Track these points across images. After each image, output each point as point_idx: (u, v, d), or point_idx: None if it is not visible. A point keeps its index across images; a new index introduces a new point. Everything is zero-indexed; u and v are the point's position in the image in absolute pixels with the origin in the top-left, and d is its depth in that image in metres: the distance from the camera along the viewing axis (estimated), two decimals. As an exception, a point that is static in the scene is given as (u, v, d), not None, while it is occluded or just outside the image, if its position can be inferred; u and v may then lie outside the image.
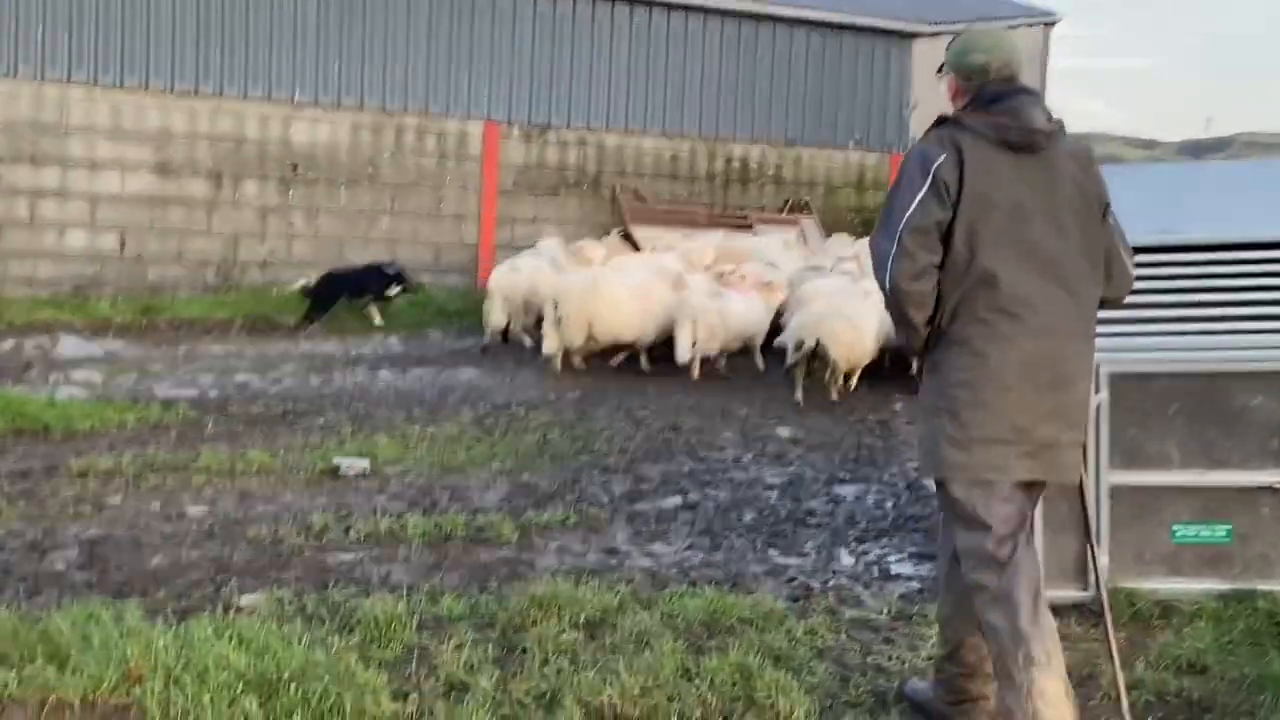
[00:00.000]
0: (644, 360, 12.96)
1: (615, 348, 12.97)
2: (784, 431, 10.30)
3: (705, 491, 8.18)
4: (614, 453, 9.29)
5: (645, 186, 20.76)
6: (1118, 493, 5.85)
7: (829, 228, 21.51)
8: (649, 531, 7.18)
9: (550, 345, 12.46)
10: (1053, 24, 24.26)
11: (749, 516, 7.59)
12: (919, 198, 4.11)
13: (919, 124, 22.81)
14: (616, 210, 20.39)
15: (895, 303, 4.21)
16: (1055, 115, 4.23)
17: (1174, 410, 5.86)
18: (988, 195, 4.10)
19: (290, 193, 18.47)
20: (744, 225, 20.80)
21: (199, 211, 17.90)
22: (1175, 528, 5.87)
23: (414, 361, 13.47)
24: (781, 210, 21.64)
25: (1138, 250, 4.51)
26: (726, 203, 21.34)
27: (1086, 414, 4.30)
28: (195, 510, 7.27)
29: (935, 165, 4.11)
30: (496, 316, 13.95)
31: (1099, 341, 4.41)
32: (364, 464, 8.44)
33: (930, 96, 23.33)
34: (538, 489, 8.09)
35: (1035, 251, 4.12)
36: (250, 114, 18.08)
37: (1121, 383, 5.80)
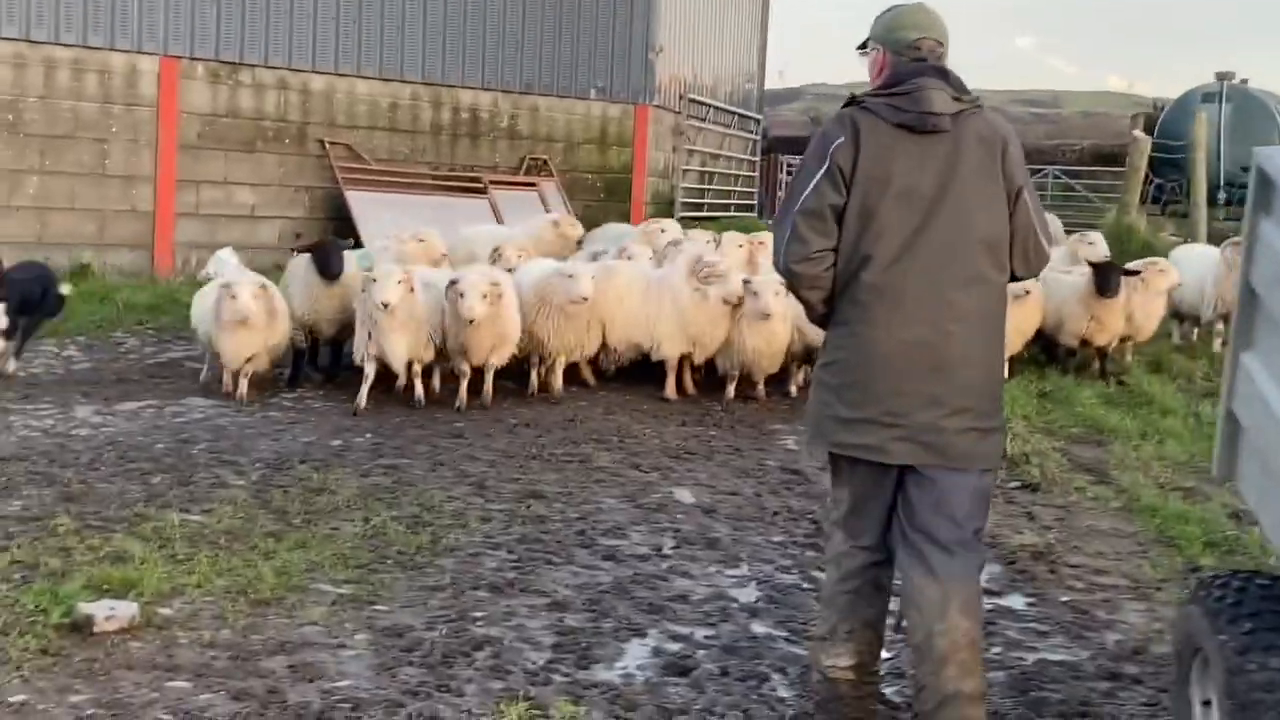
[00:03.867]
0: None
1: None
2: (679, 494, 7.59)
3: (665, 627, 5.41)
4: (481, 547, 6.38)
5: (360, 141, 17.41)
6: None
7: (569, 190, 18.82)
8: (670, 743, 4.37)
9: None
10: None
11: (777, 686, 4.88)
12: (814, 181, 4.19)
13: (664, 72, 20.40)
14: (326, 169, 16.97)
15: (790, 284, 4.37)
16: (968, 96, 4.21)
17: None
18: (880, 178, 4.13)
19: (-98, 145, 14.16)
20: (476, 188, 17.83)
21: None
22: None
23: (115, 389, 9.79)
24: (518, 170, 18.75)
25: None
26: (455, 161, 18.25)
27: (982, 398, 4.20)
28: None
29: (832, 148, 4.17)
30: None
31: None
32: (130, 610, 5.18)
33: (672, 43, 20.93)
34: (417, 643, 5.12)
35: (918, 237, 4.12)
36: None
37: None
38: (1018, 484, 7.88)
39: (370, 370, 9.36)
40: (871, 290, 4.12)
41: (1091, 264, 11.09)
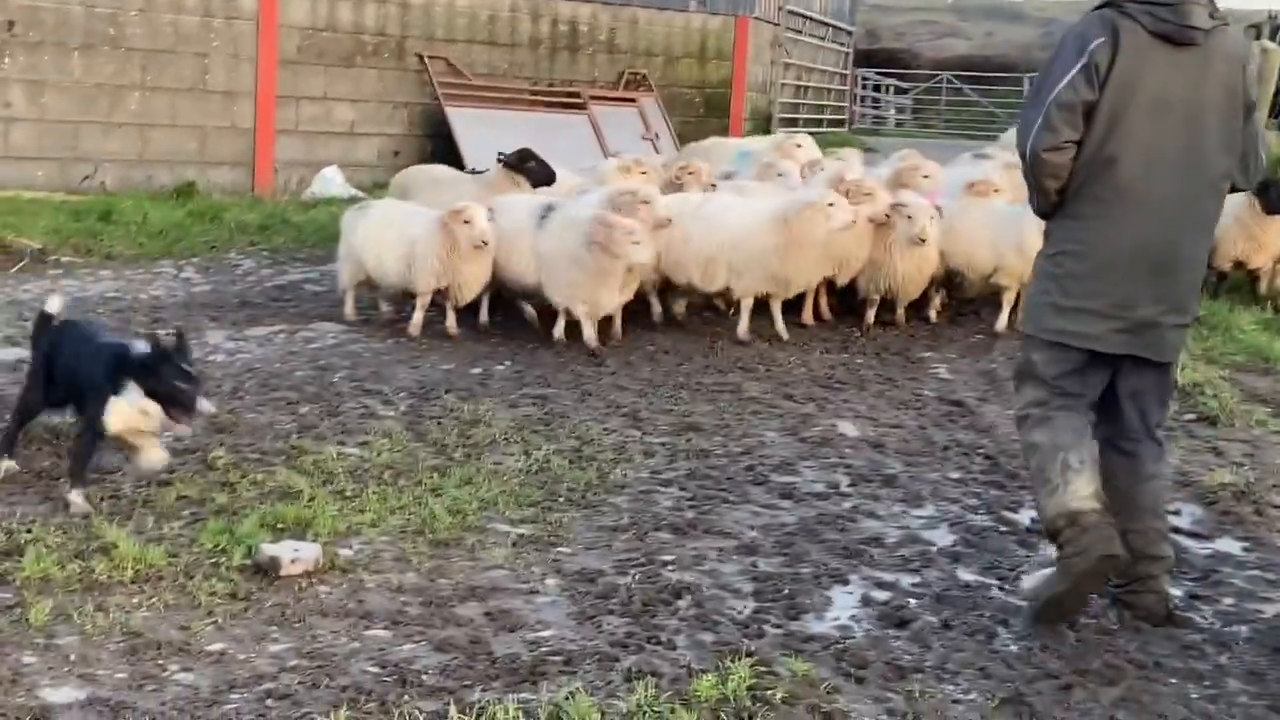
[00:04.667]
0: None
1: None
2: (842, 426, 7.29)
3: (866, 573, 5.13)
4: (650, 484, 6.12)
5: (458, 55, 17.03)
6: None
7: (668, 105, 18.38)
8: None
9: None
10: None
11: (1008, 641, 4.58)
12: (1070, 75, 4.35)
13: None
14: (425, 85, 16.64)
15: (1033, 170, 4.52)
16: (1218, 12, 4.36)
17: None
18: (1134, 84, 4.31)
19: (4, 60, 13.96)
20: (576, 104, 17.44)
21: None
22: None
23: (242, 314, 9.57)
24: (616, 85, 18.32)
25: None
26: (553, 75, 17.85)
27: (1192, 299, 4.58)
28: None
29: (1092, 46, 4.33)
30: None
31: None
32: (313, 552, 4.98)
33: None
34: (612, 589, 4.88)
35: (1166, 143, 4.35)
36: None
37: None
38: (1194, 416, 7.50)
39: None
40: (1115, 190, 4.39)
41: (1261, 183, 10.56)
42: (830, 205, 8.67)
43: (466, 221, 8.54)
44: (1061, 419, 4.57)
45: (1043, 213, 4.66)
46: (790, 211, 8.80)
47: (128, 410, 5.41)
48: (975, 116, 38.51)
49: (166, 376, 5.33)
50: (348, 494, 5.77)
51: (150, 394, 5.36)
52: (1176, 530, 5.67)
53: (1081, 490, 4.45)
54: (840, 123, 26.86)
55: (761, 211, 8.98)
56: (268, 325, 9.14)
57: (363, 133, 16.43)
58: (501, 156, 10.45)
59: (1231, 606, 4.87)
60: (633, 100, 17.95)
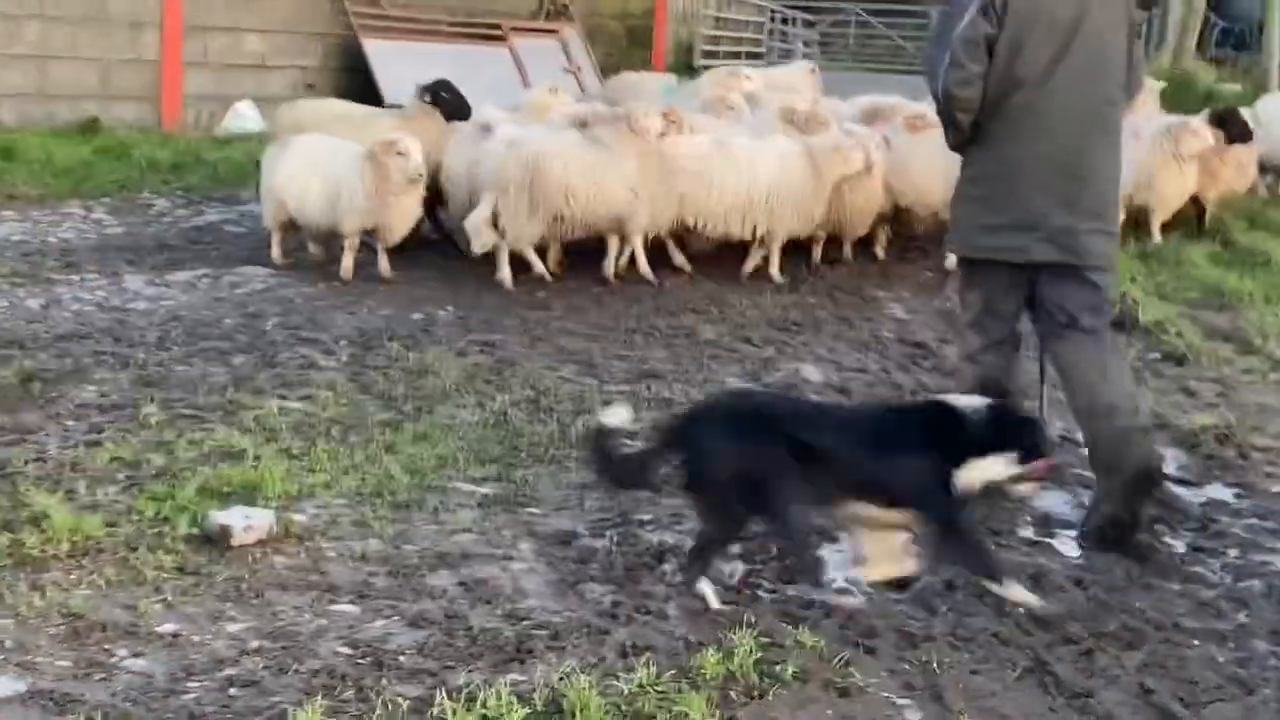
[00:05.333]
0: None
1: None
2: (805, 370, 7.02)
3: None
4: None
5: (375, -15, 16.38)
6: None
7: (591, 38, 17.90)
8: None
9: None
10: None
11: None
12: (970, 14, 4.65)
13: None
14: (340, 15, 16.00)
15: (947, 107, 4.80)
16: None
17: None
18: (1030, 13, 4.65)
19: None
20: (496, 36, 16.90)
21: None
22: None
23: (161, 257, 9.00)
24: (538, 16, 17.77)
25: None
26: (473, 6, 17.24)
27: (1108, 206, 4.87)
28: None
29: None
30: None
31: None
32: (266, 519, 4.60)
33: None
34: (590, 553, 4.59)
35: (1064, 63, 4.67)
36: None
37: None
38: (1159, 355, 7.34)
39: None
40: (1021, 110, 4.70)
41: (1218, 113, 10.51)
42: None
43: (400, 153, 8.10)
44: (988, 358, 4.98)
45: (956, 146, 4.95)
46: (819, 153, 8.64)
47: None
48: (882, 50, 38.38)
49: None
50: (295, 453, 5.38)
51: None
52: (1164, 478, 5.49)
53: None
54: (758, 55, 26.43)
55: (793, 154, 8.71)
56: (190, 269, 8.64)
57: (275, 65, 15.77)
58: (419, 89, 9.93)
59: (1238, 559, 4.68)
60: (554, 32, 17.44)
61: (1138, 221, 9.92)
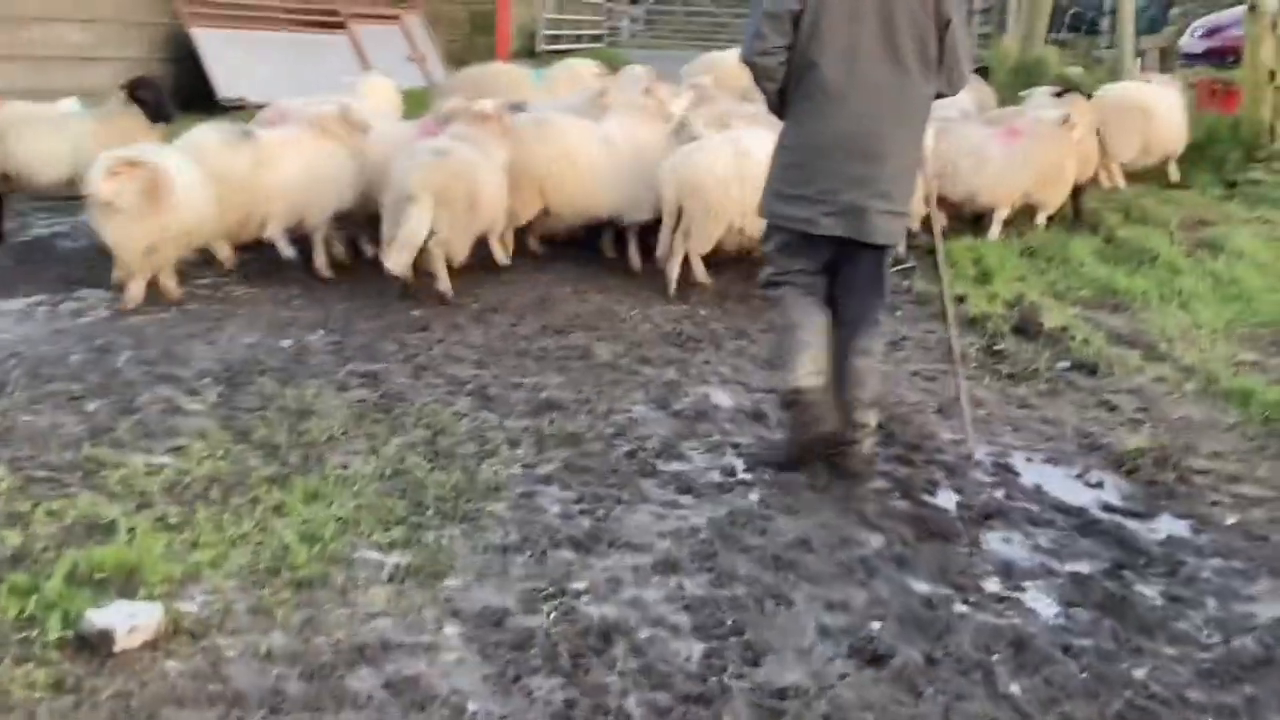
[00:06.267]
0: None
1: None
2: (714, 396, 6.60)
3: (814, 592, 4.47)
4: (526, 483, 5.34)
5: (203, -30, 15.42)
6: None
7: (434, 24, 17.22)
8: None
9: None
10: None
11: (1009, 683, 3.99)
12: None
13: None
14: (166, 3, 15.03)
15: (752, 75, 5.22)
16: None
17: None
18: None
19: None
20: (335, 23, 16.11)
21: None
22: None
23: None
24: (377, 2, 16.99)
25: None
26: (310, -7, 16.40)
27: (900, 187, 5.13)
28: None
29: None
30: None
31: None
32: (153, 615, 3.98)
33: None
34: (526, 636, 4.10)
35: (862, 45, 4.98)
36: None
37: None
38: (1069, 364, 7.09)
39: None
40: (820, 88, 5.03)
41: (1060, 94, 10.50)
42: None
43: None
44: (791, 298, 5.29)
45: (774, 111, 5.31)
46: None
47: None
48: (706, 27, 38.50)
49: None
50: (172, 522, 4.76)
51: None
52: (1110, 508, 5.24)
53: (805, 367, 5.20)
54: (598, 38, 25.97)
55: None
56: (23, 296, 7.82)
57: (98, 57, 14.71)
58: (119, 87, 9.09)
59: (1220, 611, 4.38)
60: (396, 18, 16.70)
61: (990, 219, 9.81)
